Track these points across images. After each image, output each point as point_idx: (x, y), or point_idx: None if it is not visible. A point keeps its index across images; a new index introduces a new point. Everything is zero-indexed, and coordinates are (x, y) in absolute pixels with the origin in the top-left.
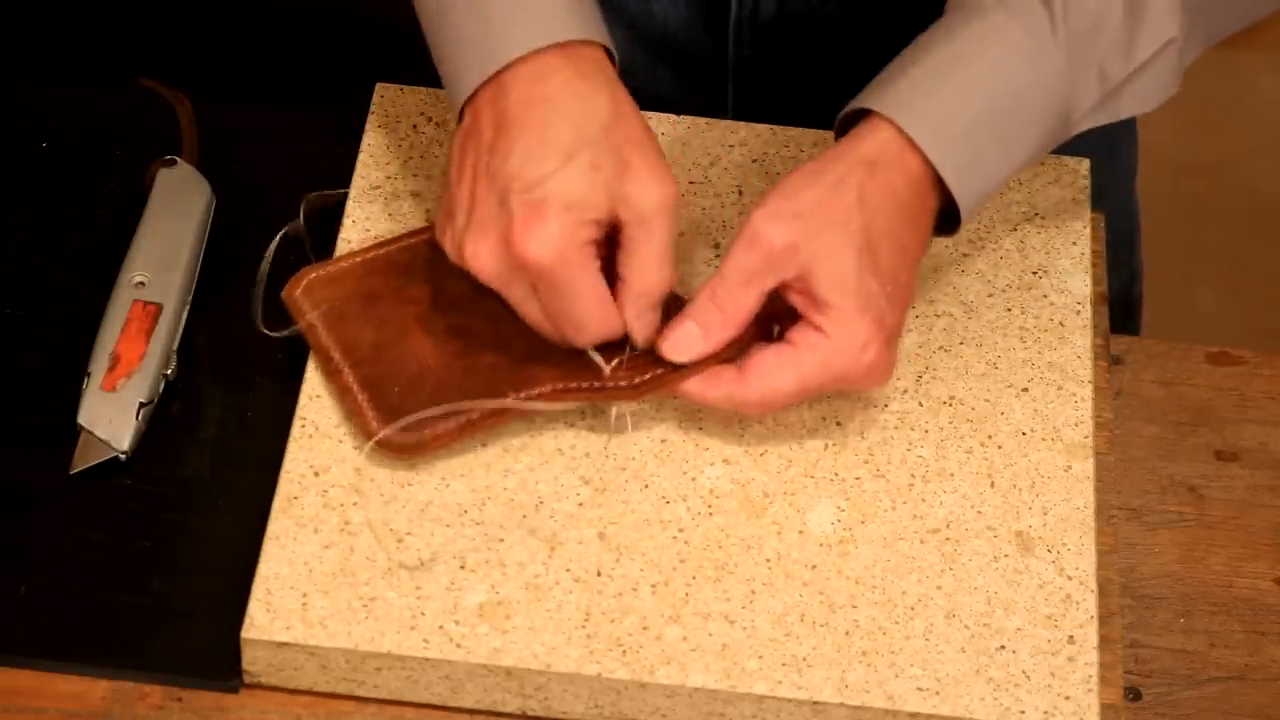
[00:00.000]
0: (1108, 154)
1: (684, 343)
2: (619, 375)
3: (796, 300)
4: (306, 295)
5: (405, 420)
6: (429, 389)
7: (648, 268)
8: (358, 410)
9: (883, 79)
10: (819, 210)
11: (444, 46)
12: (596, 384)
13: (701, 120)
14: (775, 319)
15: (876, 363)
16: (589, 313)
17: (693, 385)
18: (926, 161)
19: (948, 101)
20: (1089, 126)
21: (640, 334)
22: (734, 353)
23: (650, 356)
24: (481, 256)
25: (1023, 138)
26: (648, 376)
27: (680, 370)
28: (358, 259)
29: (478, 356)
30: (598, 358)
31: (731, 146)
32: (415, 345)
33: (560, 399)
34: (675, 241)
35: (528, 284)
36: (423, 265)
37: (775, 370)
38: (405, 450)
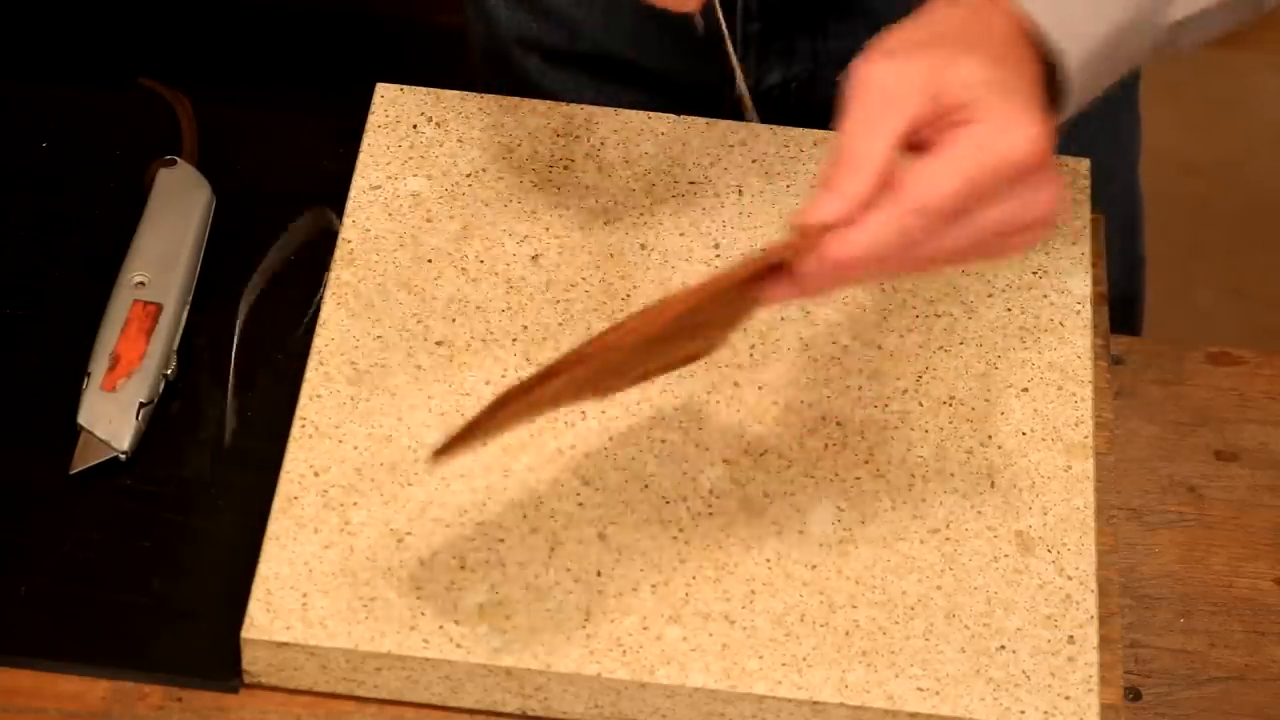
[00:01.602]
0: (1111, 134)
1: (827, 209)
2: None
3: (930, 133)
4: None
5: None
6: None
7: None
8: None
9: None
10: (922, 38)
11: None
12: (766, 263)
13: (701, 120)
14: None
15: (1040, 142)
16: None
17: (851, 239)
18: (1023, 24)
19: None
20: (1185, 13)
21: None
22: None
23: None
24: None
25: (1118, 13)
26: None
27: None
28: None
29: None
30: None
31: (731, 146)
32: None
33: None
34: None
35: None
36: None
37: (932, 169)
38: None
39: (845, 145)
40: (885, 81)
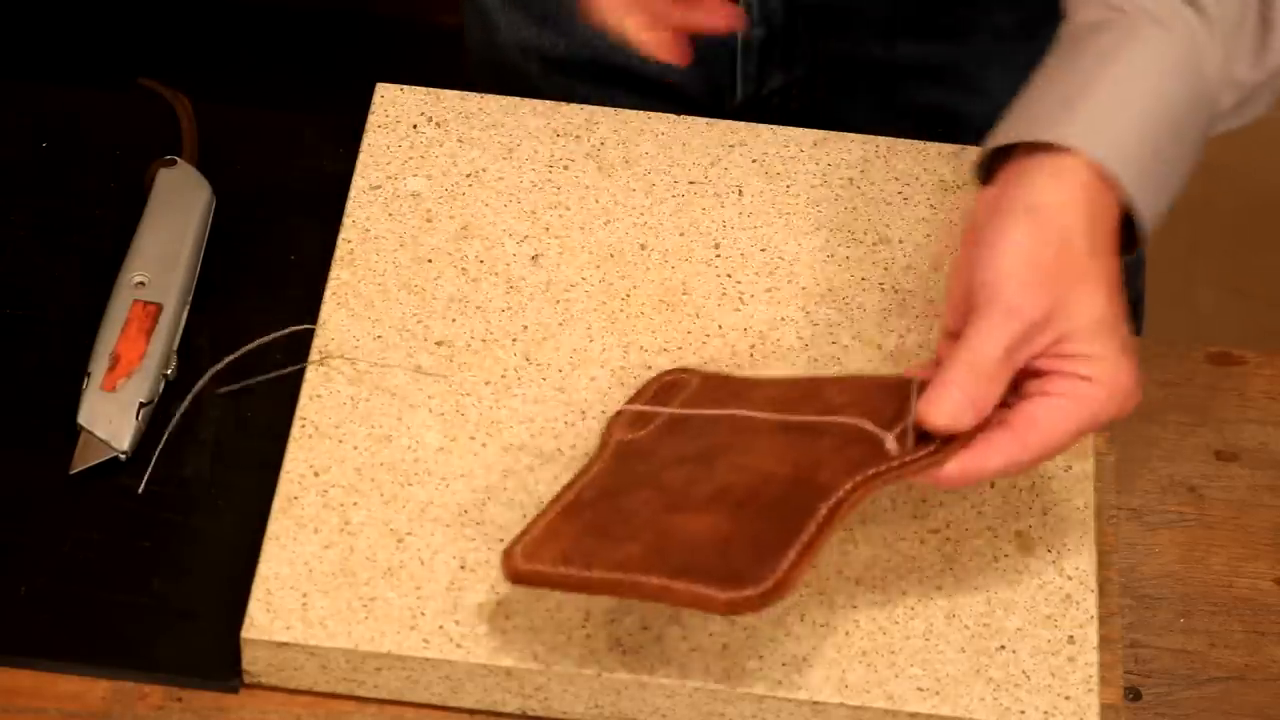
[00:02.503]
0: None
1: (951, 410)
2: (905, 450)
3: (1047, 364)
4: (530, 559)
5: (762, 577)
6: (736, 547)
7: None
8: (694, 597)
9: (1050, 109)
10: (1064, 270)
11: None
12: (895, 463)
13: (701, 120)
14: None
15: (1135, 400)
16: None
17: (971, 460)
18: (1118, 192)
19: (1132, 129)
20: (1216, 133)
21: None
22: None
23: (920, 432)
24: None
25: (1185, 155)
26: (935, 446)
27: (955, 443)
28: (550, 514)
29: (759, 500)
30: (878, 430)
31: (731, 146)
32: (690, 527)
33: (869, 490)
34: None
35: None
36: (620, 484)
37: (1053, 426)
38: (773, 596)
39: (987, 366)
40: (1034, 317)
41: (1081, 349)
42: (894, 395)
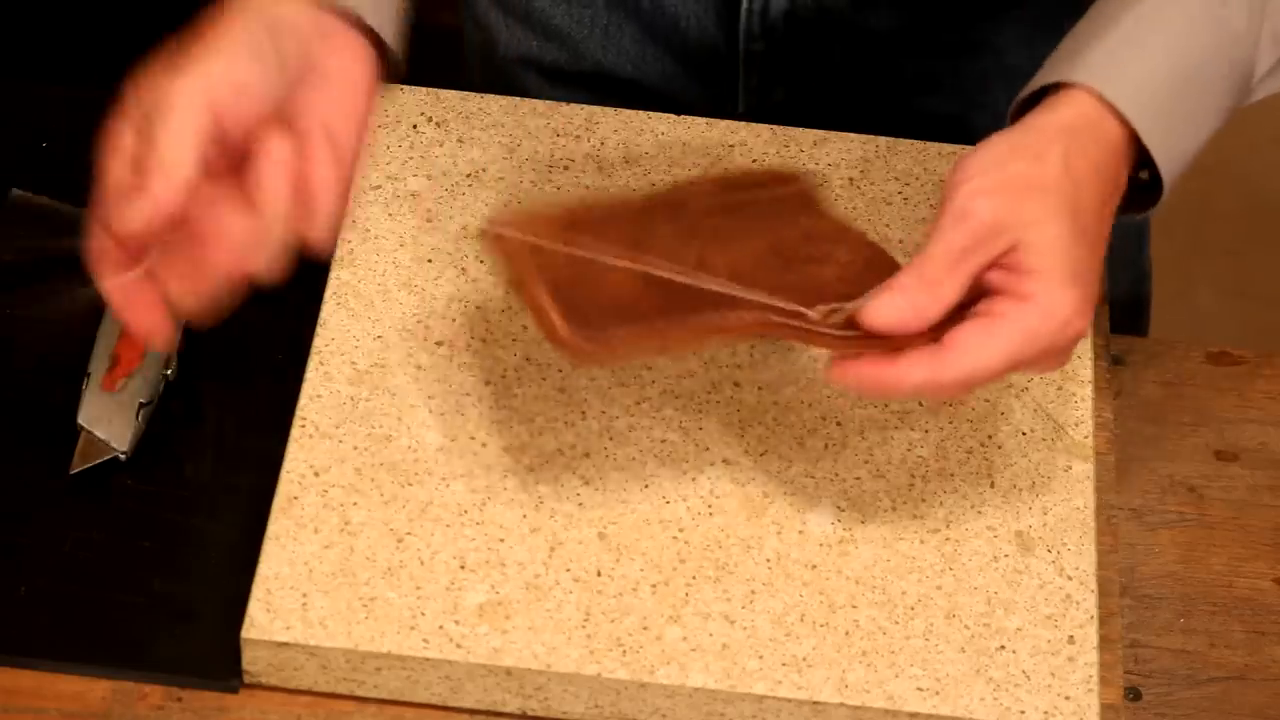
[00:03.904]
0: None
1: (892, 316)
2: (826, 321)
3: (996, 277)
4: (509, 224)
5: (595, 333)
6: (620, 304)
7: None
8: (545, 315)
9: (1068, 52)
10: (1027, 181)
11: None
12: (804, 325)
13: (701, 120)
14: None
15: (1076, 337)
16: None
17: (888, 371)
18: (1123, 126)
19: (1144, 67)
20: (1264, 95)
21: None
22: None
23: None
24: None
25: (1213, 102)
26: (856, 332)
27: (883, 342)
28: (559, 210)
29: (678, 284)
30: (805, 310)
31: (731, 146)
32: (611, 275)
33: (759, 330)
34: None
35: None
36: (622, 219)
37: (980, 345)
38: (593, 357)
39: (933, 271)
40: (982, 222)
41: (1029, 262)
42: (876, 273)
